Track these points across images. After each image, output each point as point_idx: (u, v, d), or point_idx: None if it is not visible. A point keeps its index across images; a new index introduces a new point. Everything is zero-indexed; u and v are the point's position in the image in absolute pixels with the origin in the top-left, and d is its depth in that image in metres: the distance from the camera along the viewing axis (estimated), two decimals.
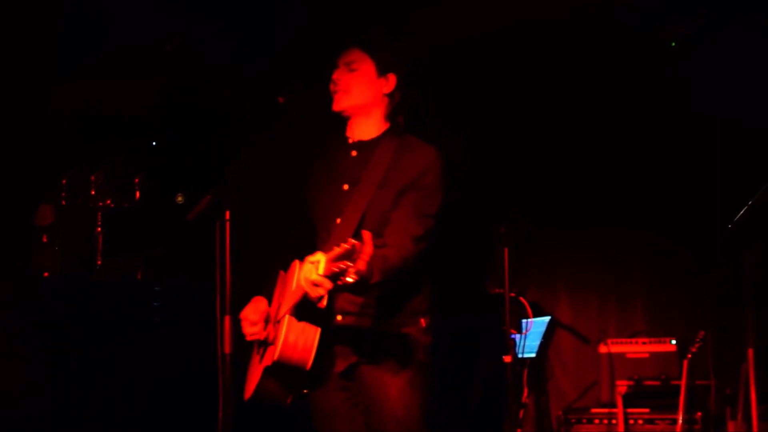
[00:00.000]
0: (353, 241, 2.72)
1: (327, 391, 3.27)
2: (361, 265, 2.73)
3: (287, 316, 3.10)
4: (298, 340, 3.06)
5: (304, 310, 3.08)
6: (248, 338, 3.32)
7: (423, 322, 3.26)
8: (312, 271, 2.85)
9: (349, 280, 2.75)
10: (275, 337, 3.15)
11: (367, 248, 2.72)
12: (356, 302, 3.17)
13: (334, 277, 2.80)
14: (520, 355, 5.62)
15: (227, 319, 2.89)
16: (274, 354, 3.09)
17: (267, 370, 3.17)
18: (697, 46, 5.54)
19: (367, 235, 2.73)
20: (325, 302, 3.05)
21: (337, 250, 2.76)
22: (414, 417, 3.18)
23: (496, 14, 5.40)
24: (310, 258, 2.89)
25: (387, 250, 3.03)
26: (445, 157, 3.27)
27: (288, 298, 3.17)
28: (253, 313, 3.31)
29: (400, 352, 3.20)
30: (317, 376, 3.18)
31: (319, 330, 3.08)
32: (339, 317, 3.20)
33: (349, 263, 2.73)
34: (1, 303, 4.37)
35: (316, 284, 2.86)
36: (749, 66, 5.36)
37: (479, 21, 5.51)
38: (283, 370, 3.11)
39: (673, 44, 5.57)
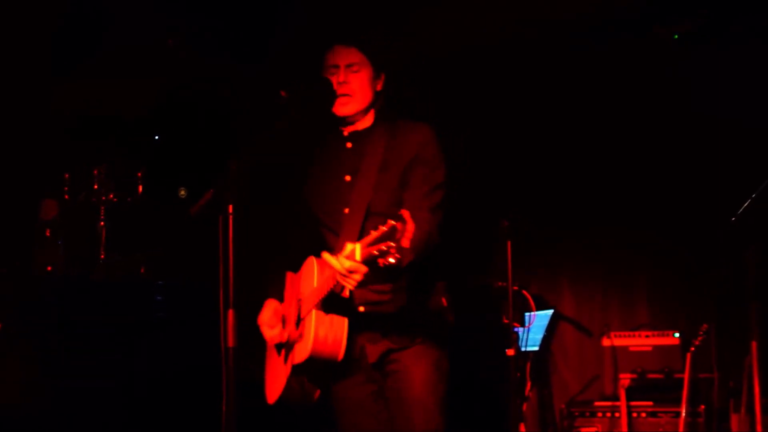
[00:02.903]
0: (393, 222, 2.71)
1: (353, 385, 3.29)
2: (406, 243, 2.73)
3: (314, 311, 3.12)
4: (328, 334, 3.10)
5: (329, 304, 3.11)
6: (269, 343, 3.37)
7: (444, 301, 3.29)
8: (345, 260, 2.86)
9: (392, 260, 2.74)
10: (302, 335, 3.17)
11: (410, 225, 2.72)
12: (377, 290, 3.18)
13: (372, 260, 2.79)
14: (523, 349, 5.62)
15: (230, 313, 2.89)
16: (304, 351, 3.11)
17: (297, 368, 3.19)
18: (697, 46, 5.55)
19: (406, 213, 2.73)
20: (347, 293, 3.09)
21: (374, 234, 2.76)
22: (437, 402, 3.21)
23: (498, 14, 5.40)
24: (344, 252, 2.88)
25: None
26: (438, 131, 3.32)
27: (312, 296, 3.18)
28: (270, 317, 3.35)
29: (426, 335, 3.23)
30: (346, 367, 3.20)
31: (346, 321, 3.12)
32: (362, 308, 3.21)
33: (391, 244, 2.71)
34: (3, 300, 4.37)
35: (351, 271, 2.86)
36: (749, 66, 5.36)
37: (480, 20, 5.51)
38: (314, 365, 3.14)
39: (676, 36, 5.57)
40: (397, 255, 2.73)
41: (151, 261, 4.89)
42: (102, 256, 4.90)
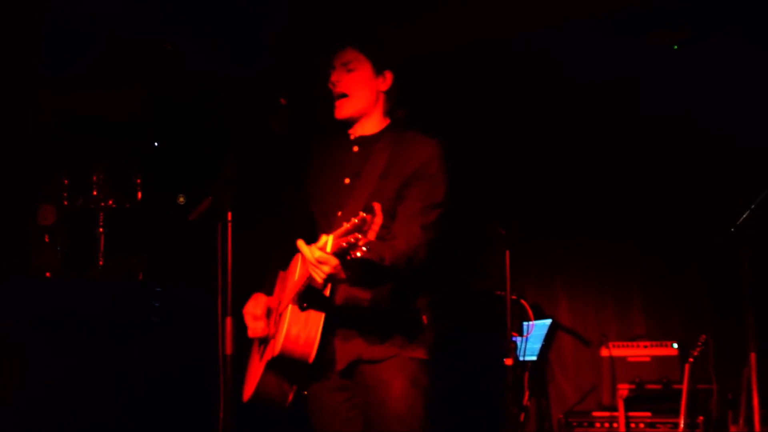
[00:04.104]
0: (363, 214, 2.68)
1: (326, 391, 3.24)
2: (371, 235, 2.69)
3: (289, 307, 3.07)
4: (301, 332, 3.04)
5: (307, 300, 3.06)
6: (250, 334, 3.30)
7: (425, 318, 3.24)
8: (315, 250, 2.84)
9: (359, 254, 2.71)
10: (276, 331, 3.12)
11: (377, 219, 2.69)
12: (358, 297, 3.14)
13: (342, 253, 2.76)
14: (521, 358, 5.61)
15: (228, 320, 2.88)
16: (275, 348, 3.06)
17: (268, 365, 3.14)
18: (694, 54, 5.55)
19: (377, 206, 2.70)
20: (328, 291, 3.04)
21: (345, 226, 2.74)
22: (417, 417, 3.15)
23: (494, 21, 5.42)
24: (318, 243, 2.86)
25: (396, 240, 3.02)
26: (446, 148, 3.27)
27: (290, 289, 3.14)
28: (257, 308, 3.30)
29: (402, 350, 3.17)
30: (319, 371, 3.15)
31: (322, 319, 3.05)
32: (340, 313, 3.15)
33: (359, 235, 2.69)
34: (2, 304, 4.37)
35: (320, 262, 2.83)
36: (743, 74, 5.35)
37: (477, 26, 5.53)
38: (285, 364, 3.07)
39: (675, 47, 5.58)
40: (363, 248, 2.70)
41: (149, 266, 4.88)
42: (100, 262, 4.89)
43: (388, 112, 3.36)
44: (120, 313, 4.52)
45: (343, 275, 2.91)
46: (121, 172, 5.08)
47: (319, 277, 2.89)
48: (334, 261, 2.83)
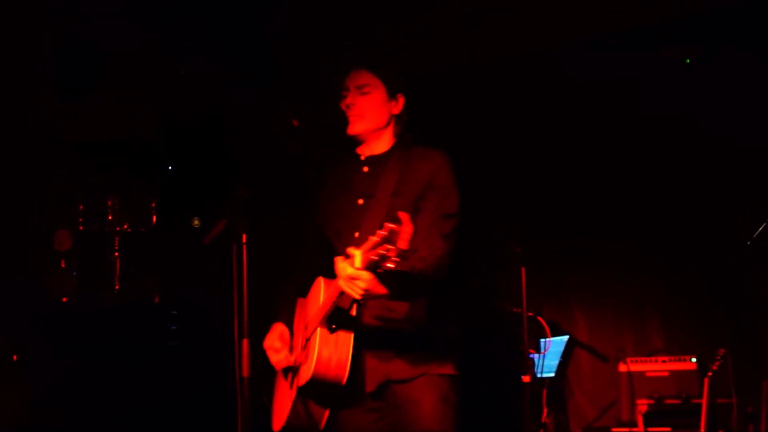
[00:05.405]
0: (390, 225, 2.67)
1: (356, 412, 3.21)
2: (403, 244, 2.67)
3: (318, 330, 3.06)
4: (332, 355, 3.03)
5: (335, 322, 3.06)
6: (275, 366, 3.30)
7: (452, 332, 3.25)
8: (346, 267, 2.83)
9: (390, 265, 2.69)
10: (306, 356, 3.12)
11: (407, 227, 2.67)
12: (384, 317, 3.14)
13: (373, 266, 2.75)
14: (538, 375, 5.59)
15: (245, 343, 2.88)
16: (307, 372, 3.06)
17: (301, 391, 3.14)
18: (706, 68, 5.54)
19: (404, 215, 2.69)
20: (354, 311, 3.04)
21: (372, 239, 2.72)
22: None
23: (497, 39, 5.44)
24: (343, 258, 2.85)
25: (421, 252, 3.02)
26: (453, 158, 3.28)
27: (316, 313, 3.14)
28: (276, 340, 3.30)
29: (432, 366, 3.17)
30: (350, 392, 3.13)
31: (351, 339, 3.05)
32: (368, 333, 3.13)
33: (389, 246, 2.67)
34: (20, 327, 4.39)
35: (352, 278, 2.83)
36: (744, 74, 5.34)
37: (484, 41, 5.54)
38: (318, 388, 3.07)
39: (688, 61, 5.58)
40: (396, 259, 2.68)
41: (165, 289, 4.90)
42: (116, 286, 4.91)
43: (397, 134, 3.37)
44: (136, 335, 4.53)
45: (381, 290, 2.90)
46: (136, 196, 5.10)
47: (356, 293, 2.87)
48: (367, 276, 2.82)
